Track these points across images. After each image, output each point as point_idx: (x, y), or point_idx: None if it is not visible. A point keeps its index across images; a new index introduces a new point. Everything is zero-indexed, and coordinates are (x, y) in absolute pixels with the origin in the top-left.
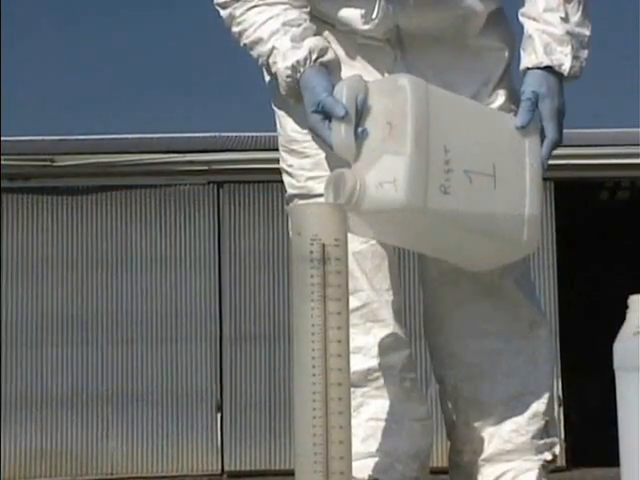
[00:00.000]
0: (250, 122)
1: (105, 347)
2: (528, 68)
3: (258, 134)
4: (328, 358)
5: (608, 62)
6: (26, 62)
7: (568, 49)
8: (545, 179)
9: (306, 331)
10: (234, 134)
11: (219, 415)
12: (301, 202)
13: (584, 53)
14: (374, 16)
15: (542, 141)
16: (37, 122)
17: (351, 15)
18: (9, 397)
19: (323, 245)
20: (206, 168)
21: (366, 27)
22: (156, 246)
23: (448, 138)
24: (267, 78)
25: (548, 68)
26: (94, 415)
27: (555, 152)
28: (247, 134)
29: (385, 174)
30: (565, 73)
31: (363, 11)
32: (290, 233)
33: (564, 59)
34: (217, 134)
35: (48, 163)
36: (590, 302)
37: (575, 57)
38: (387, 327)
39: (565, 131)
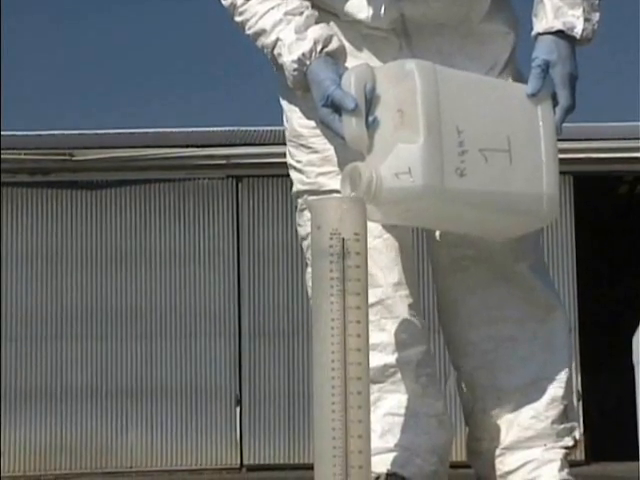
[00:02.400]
0: (269, 116)
1: (124, 341)
2: (539, 34)
3: (277, 128)
4: (347, 352)
5: (631, 53)
6: (45, 57)
7: (579, 12)
8: (564, 173)
9: (325, 325)
10: (253, 128)
11: (238, 409)
12: (311, 198)
13: (596, 16)
14: (379, 6)
15: (555, 107)
16: (56, 117)
17: (356, 6)
18: (29, 390)
19: (343, 239)
20: (225, 162)
21: (371, 17)
22: (175, 240)
23: (460, 118)
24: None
25: (559, 33)
26: (114, 409)
27: (574, 146)
28: (266, 128)
29: (400, 164)
30: (577, 36)
31: (368, 1)
32: (297, 228)
33: (576, 22)
34: (236, 128)
35: (67, 157)
36: (610, 296)
37: (587, 20)
38: (402, 323)
39: (584, 125)
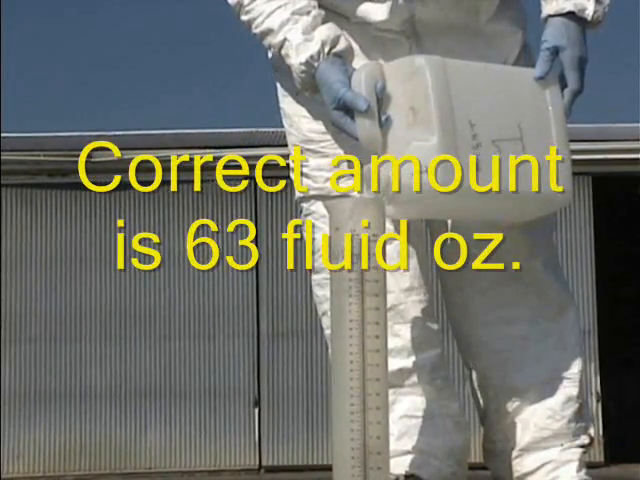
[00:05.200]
0: None
1: (143, 343)
2: (550, 15)
3: None
4: (366, 354)
5: None
6: (63, 58)
7: None
8: (583, 174)
9: (344, 327)
10: (271, 129)
11: (256, 410)
12: (318, 203)
13: None
14: (391, 7)
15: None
16: (75, 118)
17: (367, 8)
18: (49, 391)
19: (360, 240)
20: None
21: (383, 19)
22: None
23: (472, 111)
24: (273, 76)
25: (570, 15)
26: (133, 410)
27: (593, 147)
28: (284, 129)
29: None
30: (588, 18)
31: (379, 3)
32: (302, 234)
33: (587, 3)
34: (254, 129)
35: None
36: (628, 297)
37: (598, 1)
38: (415, 328)
39: (602, 126)
